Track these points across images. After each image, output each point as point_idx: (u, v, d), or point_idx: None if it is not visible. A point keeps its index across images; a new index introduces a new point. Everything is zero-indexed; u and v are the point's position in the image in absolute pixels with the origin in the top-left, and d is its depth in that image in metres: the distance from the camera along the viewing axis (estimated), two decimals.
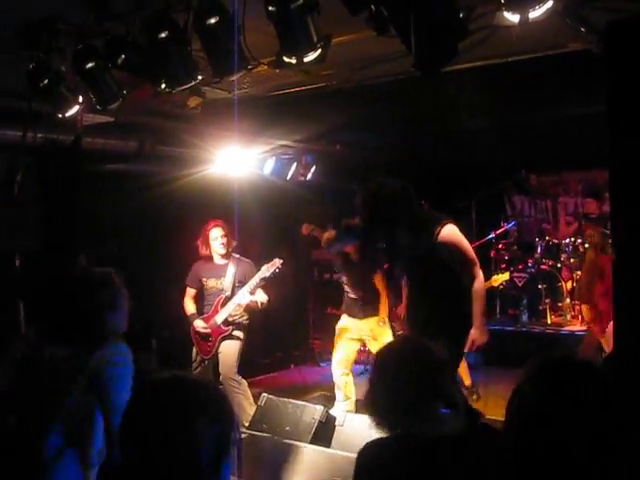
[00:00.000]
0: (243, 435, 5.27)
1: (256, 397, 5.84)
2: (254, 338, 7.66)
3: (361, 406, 6.11)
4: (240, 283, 6.23)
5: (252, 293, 6.13)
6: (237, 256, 6.34)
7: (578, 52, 4.50)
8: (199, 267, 6.36)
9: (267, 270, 6.16)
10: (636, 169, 2.63)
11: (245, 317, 6.28)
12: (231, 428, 1.63)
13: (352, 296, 6.26)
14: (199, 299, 6.39)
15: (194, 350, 6.29)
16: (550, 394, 1.43)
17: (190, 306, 6.31)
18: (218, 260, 6.27)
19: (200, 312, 6.29)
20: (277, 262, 6.21)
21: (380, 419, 2.35)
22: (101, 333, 2.94)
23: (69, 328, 2.91)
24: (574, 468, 1.35)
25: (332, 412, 5.45)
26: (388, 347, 2.58)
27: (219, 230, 6.23)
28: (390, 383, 2.36)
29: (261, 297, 6.21)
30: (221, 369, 6.14)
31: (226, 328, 6.15)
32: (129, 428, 1.61)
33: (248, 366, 6.60)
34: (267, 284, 6.29)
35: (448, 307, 4.51)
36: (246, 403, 5.99)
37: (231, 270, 6.24)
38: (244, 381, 6.15)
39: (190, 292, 6.37)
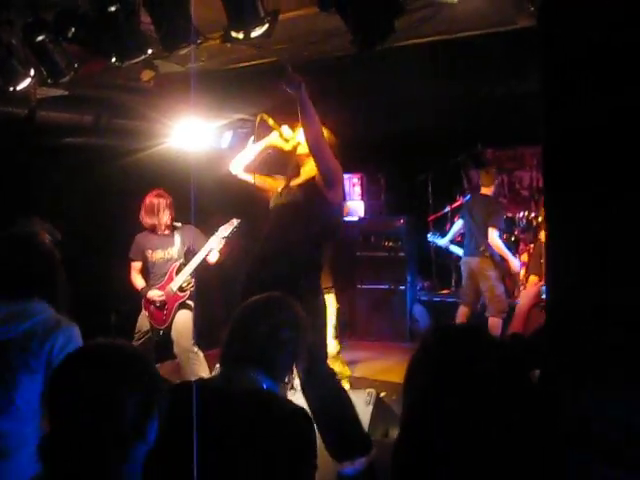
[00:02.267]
0: None
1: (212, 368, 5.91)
2: (214, 310, 7.71)
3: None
4: (189, 250, 6.24)
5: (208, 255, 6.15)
6: (179, 224, 6.32)
7: (530, 28, 4.59)
8: (142, 239, 6.30)
9: (225, 230, 6.19)
10: (569, 144, 2.72)
11: (192, 285, 6.27)
12: (154, 392, 1.69)
13: None
14: (144, 272, 6.35)
15: (139, 321, 6.27)
16: (446, 364, 1.49)
17: (139, 280, 6.27)
18: (162, 231, 6.23)
19: (149, 285, 6.26)
20: (234, 221, 6.26)
21: None
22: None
23: None
24: (472, 440, 1.41)
25: None
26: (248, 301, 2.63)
27: (163, 200, 6.19)
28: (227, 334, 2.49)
29: (214, 257, 6.18)
30: (177, 341, 6.16)
31: (182, 294, 6.17)
32: (54, 396, 1.68)
33: (207, 338, 6.65)
34: (229, 254, 6.32)
35: None
36: (204, 374, 6.04)
37: (178, 239, 6.23)
38: (201, 353, 6.19)
39: (136, 266, 6.32)
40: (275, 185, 4.75)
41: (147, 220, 6.20)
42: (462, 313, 8.00)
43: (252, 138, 4.89)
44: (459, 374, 1.46)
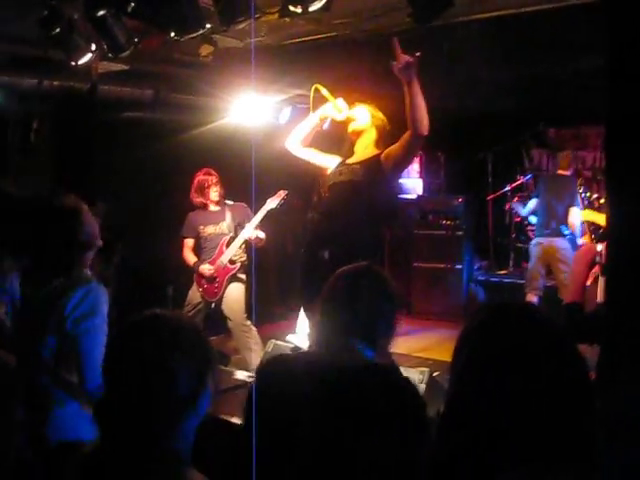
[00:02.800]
0: (251, 379, 5.39)
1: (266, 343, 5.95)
2: (269, 286, 7.75)
3: None
4: (239, 226, 6.30)
5: (256, 228, 6.22)
6: (230, 202, 6.39)
7: (596, 3, 4.46)
8: (195, 216, 6.39)
9: (272, 202, 6.26)
10: (633, 120, 2.64)
11: (244, 258, 6.34)
12: (207, 364, 1.70)
13: None
14: (197, 248, 6.42)
15: (189, 294, 6.36)
16: (494, 341, 1.46)
17: (191, 256, 6.35)
18: (213, 207, 6.32)
19: (201, 260, 6.32)
20: (282, 193, 6.33)
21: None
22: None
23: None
24: (516, 417, 1.39)
25: None
26: (338, 274, 2.58)
27: (211, 178, 6.27)
28: (325, 304, 2.44)
29: (260, 233, 6.27)
30: (230, 315, 6.21)
31: (232, 267, 6.23)
32: (110, 364, 1.70)
33: (262, 314, 6.69)
34: (283, 233, 6.35)
35: None
36: (257, 348, 6.09)
37: (228, 214, 6.31)
38: (253, 327, 6.24)
39: (188, 243, 6.40)
40: (330, 162, 4.72)
41: (196, 198, 6.32)
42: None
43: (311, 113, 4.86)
44: (506, 351, 1.43)
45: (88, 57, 4.62)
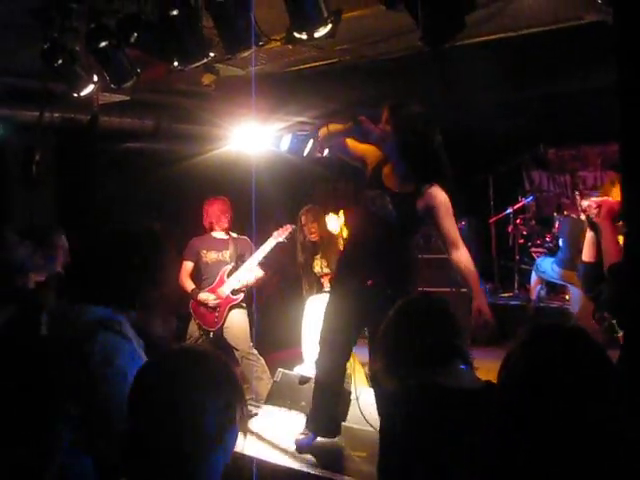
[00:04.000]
0: (260, 410, 5.34)
1: (274, 372, 5.88)
2: (273, 313, 7.70)
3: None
4: (240, 258, 6.28)
5: (261, 263, 6.23)
6: (235, 235, 6.37)
7: (594, 24, 4.47)
8: (198, 241, 6.36)
9: (279, 236, 6.26)
10: None
11: (245, 285, 6.29)
12: (236, 399, 1.64)
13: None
14: (195, 274, 6.37)
15: (190, 327, 6.28)
16: (539, 361, 1.45)
17: (188, 282, 6.28)
18: (218, 235, 6.29)
19: (199, 286, 6.27)
20: (289, 227, 6.34)
21: (396, 369, 2.48)
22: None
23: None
24: (561, 434, 1.37)
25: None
26: (414, 300, 2.70)
27: (224, 216, 6.27)
28: (414, 335, 2.49)
29: (259, 273, 6.30)
30: (236, 345, 6.14)
31: (235, 297, 6.18)
32: (136, 397, 1.64)
33: (267, 342, 6.63)
34: (282, 259, 6.36)
35: None
36: (265, 377, 6.03)
37: (232, 244, 6.29)
38: (261, 357, 6.17)
39: (187, 266, 6.31)
40: (367, 152, 4.63)
41: (208, 227, 6.32)
42: None
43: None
44: (545, 370, 1.42)
45: (90, 88, 4.61)
